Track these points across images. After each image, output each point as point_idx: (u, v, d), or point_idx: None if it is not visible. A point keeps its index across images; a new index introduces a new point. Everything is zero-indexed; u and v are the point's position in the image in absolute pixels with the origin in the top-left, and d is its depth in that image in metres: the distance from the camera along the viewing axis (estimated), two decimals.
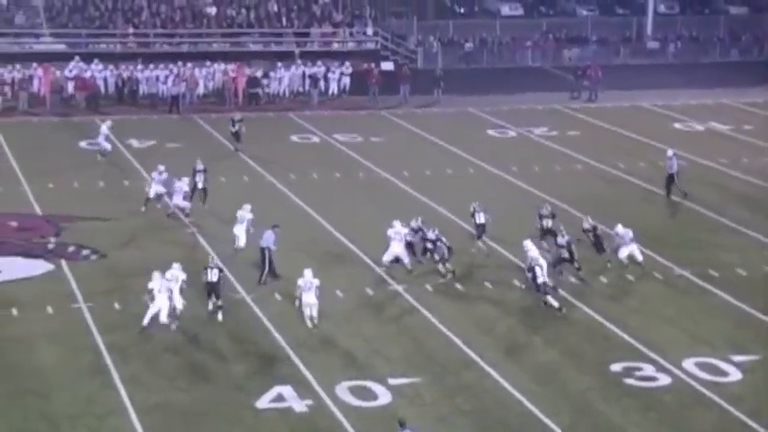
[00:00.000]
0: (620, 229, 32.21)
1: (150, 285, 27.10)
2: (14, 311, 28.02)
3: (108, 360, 25.54)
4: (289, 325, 27.76)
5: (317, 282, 27.72)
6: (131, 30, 57.51)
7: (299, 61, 55.79)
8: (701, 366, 26.00)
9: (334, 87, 55.42)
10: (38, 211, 36.21)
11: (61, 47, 55.93)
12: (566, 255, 31.22)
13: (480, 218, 33.10)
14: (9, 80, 51.12)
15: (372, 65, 56.64)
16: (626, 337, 27.59)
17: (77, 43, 55.97)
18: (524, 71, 61.83)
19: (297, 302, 27.93)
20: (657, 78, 59.07)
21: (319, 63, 55.50)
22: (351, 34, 60.82)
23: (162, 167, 36.08)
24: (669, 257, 32.96)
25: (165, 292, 27.07)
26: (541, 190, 39.54)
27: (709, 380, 25.40)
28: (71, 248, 32.65)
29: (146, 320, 26.99)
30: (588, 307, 29.40)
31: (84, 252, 32.42)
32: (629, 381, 25.38)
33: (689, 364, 26.09)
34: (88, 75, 52.19)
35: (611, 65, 61.58)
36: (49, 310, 28.24)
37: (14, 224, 34.75)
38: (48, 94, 51.22)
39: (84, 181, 39.17)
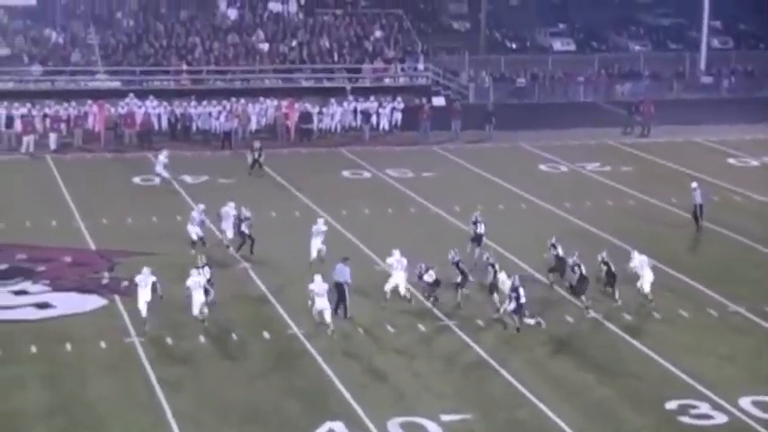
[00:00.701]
0: (635, 256, 32.24)
1: (187, 283, 29.69)
2: (68, 346, 28.20)
3: (160, 395, 25.61)
4: (340, 360, 27.72)
5: (326, 286, 29.27)
6: (185, 67, 58.06)
7: (350, 97, 56.02)
8: (757, 405, 25.62)
9: (385, 123, 55.54)
10: (92, 246, 36.51)
11: (116, 84, 56.57)
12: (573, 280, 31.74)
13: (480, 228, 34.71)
14: (65, 117, 51.72)
15: (424, 100, 56.75)
16: (681, 374, 27.27)
17: (132, 80, 56.58)
18: (576, 106, 61.62)
19: (310, 303, 29.35)
20: (711, 113, 58.62)
21: (371, 98, 55.69)
22: (402, 70, 60.97)
23: (202, 206, 36.28)
24: (723, 294, 32.61)
25: (200, 288, 29.45)
26: (594, 225, 39.36)
27: (766, 419, 25.01)
28: (125, 283, 32.84)
29: (195, 311, 29.30)
30: (642, 344, 29.11)
31: None
32: (685, 419, 25.06)
33: (745, 402, 25.72)
34: (142, 111, 52.70)
35: (665, 100, 61.18)
36: (103, 344, 28.39)
37: (69, 259, 35.05)
38: (102, 131, 51.76)
39: (137, 216, 39.47)
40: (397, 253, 31.67)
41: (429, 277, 31.53)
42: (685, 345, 29.24)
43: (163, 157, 44.61)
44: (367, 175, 46.97)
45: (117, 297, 31.75)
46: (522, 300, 29.50)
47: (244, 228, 35.44)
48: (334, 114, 54.92)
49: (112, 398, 25.48)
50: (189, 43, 59.46)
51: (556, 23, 77.44)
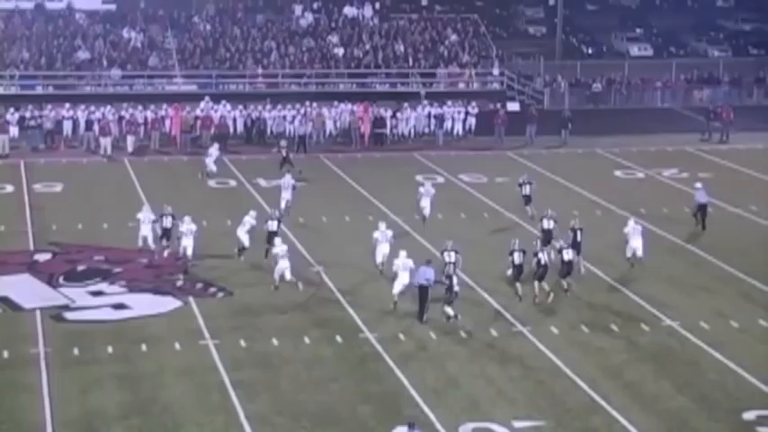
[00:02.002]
0: (631, 223, 35.26)
1: (274, 251, 32.92)
2: (144, 347, 28.45)
3: (234, 397, 25.73)
4: (413, 364, 27.66)
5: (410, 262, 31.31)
6: (260, 70, 58.42)
7: (425, 102, 55.99)
8: None
9: (459, 128, 55.41)
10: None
11: (192, 88, 57.09)
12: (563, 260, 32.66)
13: (548, 224, 35.60)
14: (142, 120, 52.30)
15: (498, 105, 56.54)
16: (759, 384, 26.82)
17: (208, 84, 57.05)
18: (653, 112, 61.01)
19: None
20: None
21: (449, 103, 55.60)
22: (477, 74, 60.83)
23: (254, 213, 36.14)
24: None
25: (286, 255, 32.25)
26: (670, 232, 38.92)
27: None
28: (199, 285, 33.09)
29: (276, 277, 31.98)
30: (720, 353, 28.68)
31: (212, 289, 32.83)
32: (763, 430, 24.64)
33: None
34: (218, 115, 53.14)
35: (744, 106, 60.38)
36: (177, 346, 28.60)
37: (145, 261, 35.37)
38: (178, 134, 52.25)
39: (212, 219, 39.72)
40: (402, 254, 31.72)
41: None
42: (764, 354, 28.75)
43: (214, 150, 46.29)
44: (440, 179, 46.85)
45: (191, 299, 31.97)
46: (456, 288, 30.15)
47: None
48: (408, 119, 54.90)
49: (187, 399, 25.65)
50: (264, 47, 59.84)
51: (633, 28, 76.90)
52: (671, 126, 57.09)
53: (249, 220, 35.61)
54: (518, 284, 32.25)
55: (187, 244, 34.39)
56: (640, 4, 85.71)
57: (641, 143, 53.70)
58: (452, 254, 31.58)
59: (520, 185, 40.58)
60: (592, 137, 54.30)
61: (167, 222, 35.22)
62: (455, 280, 30.65)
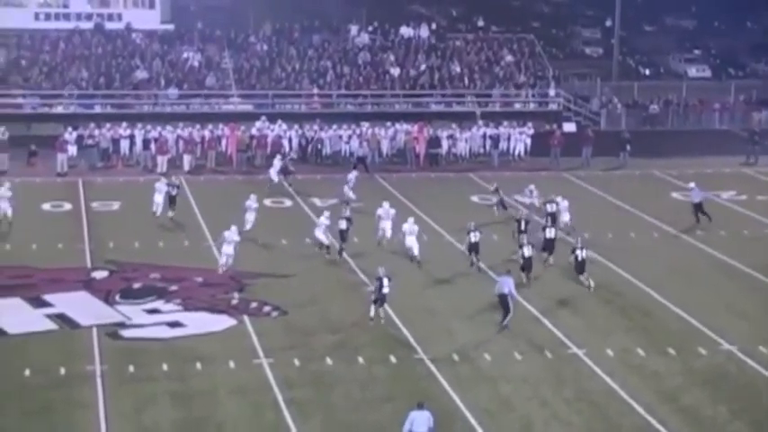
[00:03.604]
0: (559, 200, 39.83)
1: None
2: (198, 365, 28.55)
3: (287, 416, 25.74)
4: (467, 386, 27.53)
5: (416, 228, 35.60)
6: (316, 90, 58.66)
7: (480, 122, 55.90)
8: None
9: (521, 148, 55.22)
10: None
11: (248, 107, 57.42)
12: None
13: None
14: (199, 139, 52.68)
15: (554, 126, 56.31)
16: None
17: (264, 104, 57.36)
18: (711, 134, 60.41)
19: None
20: None
21: (505, 123, 55.48)
22: (533, 95, 60.65)
23: (328, 213, 38.34)
24: None
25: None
26: (728, 255, 38.53)
27: None
28: (254, 304, 33.19)
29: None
30: None
31: (266, 308, 32.91)
32: None
33: None
34: (274, 134, 53.41)
35: None
36: (232, 364, 28.68)
37: (200, 280, 35.55)
38: (234, 153, 52.56)
39: (267, 238, 39.85)
40: (410, 221, 37.08)
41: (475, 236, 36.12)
42: None
43: (277, 161, 47.98)
44: (495, 200, 46.61)
45: (246, 318, 32.06)
46: (385, 290, 31.14)
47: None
48: (464, 139, 54.81)
49: (240, 418, 25.69)
50: (320, 67, 60.09)
51: (691, 49, 76.40)
52: (729, 148, 56.48)
53: (324, 221, 37.72)
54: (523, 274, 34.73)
55: (228, 252, 35.43)
56: (698, 25, 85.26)
57: (698, 165, 53.19)
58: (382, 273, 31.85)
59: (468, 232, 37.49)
60: (649, 158, 53.92)
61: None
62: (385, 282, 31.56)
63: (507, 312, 31.15)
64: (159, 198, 42.32)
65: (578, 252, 35.03)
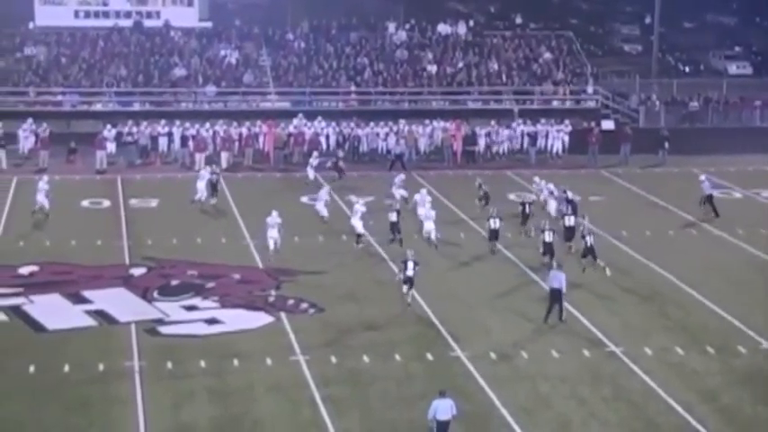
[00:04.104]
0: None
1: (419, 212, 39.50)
2: (235, 362, 28.62)
3: (324, 414, 25.75)
4: (503, 384, 27.44)
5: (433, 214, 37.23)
6: (353, 88, 58.66)
7: (519, 120, 55.73)
8: None
9: (552, 146, 55.04)
10: (259, 264, 37.05)
11: (286, 105, 57.52)
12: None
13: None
14: (236, 136, 52.82)
15: (593, 123, 56.05)
16: None
17: (301, 101, 57.44)
18: (752, 131, 59.78)
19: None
20: None
21: (542, 121, 55.29)
22: (571, 92, 60.38)
23: (363, 201, 39.86)
24: None
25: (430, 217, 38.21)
26: None
27: None
28: (291, 301, 33.24)
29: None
30: None
31: (303, 305, 32.95)
32: None
33: None
34: (311, 132, 53.47)
35: None
36: (269, 361, 28.72)
37: (237, 277, 35.65)
38: (271, 151, 52.67)
39: (304, 236, 39.91)
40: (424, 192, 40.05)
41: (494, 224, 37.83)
42: None
43: (314, 159, 48.35)
44: (532, 197, 46.49)
45: (283, 315, 32.11)
46: (409, 272, 32.27)
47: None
48: (502, 137, 54.67)
49: (277, 415, 25.73)
50: (358, 64, 60.08)
51: (731, 46, 75.74)
52: None
53: (359, 208, 38.57)
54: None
55: (273, 235, 36.74)
56: (739, 21, 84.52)
57: (739, 163, 52.84)
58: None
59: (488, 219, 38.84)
60: (688, 156, 53.57)
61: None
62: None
63: (560, 307, 31.31)
64: (202, 185, 43.59)
65: (587, 238, 35.99)
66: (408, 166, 51.65)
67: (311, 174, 47.79)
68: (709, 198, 43.55)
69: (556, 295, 31.35)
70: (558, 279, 31.39)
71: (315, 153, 49.19)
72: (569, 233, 38.15)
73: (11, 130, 51.46)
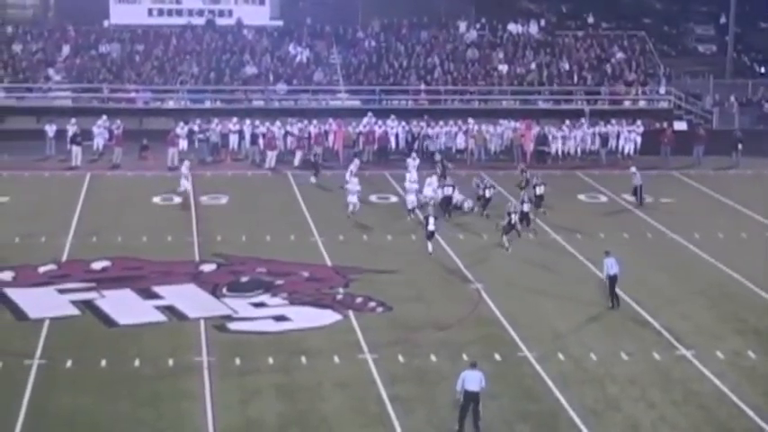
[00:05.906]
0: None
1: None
2: (303, 359, 28.72)
3: (391, 412, 25.75)
4: (572, 385, 27.25)
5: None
6: (423, 86, 58.61)
7: (589, 119, 55.31)
8: None
9: (624, 146, 54.56)
10: (328, 261, 37.15)
11: (356, 103, 57.64)
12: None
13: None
14: (307, 134, 53.01)
15: (665, 124, 55.48)
16: None
17: (371, 99, 57.50)
18: None
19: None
20: None
21: (613, 122, 54.85)
22: (643, 93, 59.82)
23: (434, 178, 43.04)
24: None
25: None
26: None
27: None
28: (359, 299, 33.28)
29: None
30: None
31: (371, 304, 32.97)
32: None
33: None
34: (381, 130, 53.52)
35: None
36: (336, 359, 28.79)
37: (306, 274, 35.77)
38: (341, 149, 52.80)
39: (372, 234, 39.95)
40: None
41: (488, 192, 42.04)
42: None
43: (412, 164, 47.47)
44: (603, 199, 46.19)
45: (351, 313, 32.16)
46: (431, 227, 37.07)
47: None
48: (573, 137, 54.30)
49: (344, 412, 25.78)
50: (428, 63, 60.01)
51: None
52: None
53: (432, 180, 42.98)
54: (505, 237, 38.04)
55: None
56: None
57: None
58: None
59: (534, 186, 43.04)
60: (762, 158, 52.84)
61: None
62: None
63: (613, 290, 32.20)
64: (354, 198, 42.01)
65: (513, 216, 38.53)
66: (477, 165, 51.46)
67: (350, 180, 44.48)
68: (639, 188, 44.67)
69: (612, 281, 32.29)
70: (612, 265, 32.30)
71: (356, 161, 46.95)
72: (539, 201, 42.08)
73: (85, 127, 52.09)
